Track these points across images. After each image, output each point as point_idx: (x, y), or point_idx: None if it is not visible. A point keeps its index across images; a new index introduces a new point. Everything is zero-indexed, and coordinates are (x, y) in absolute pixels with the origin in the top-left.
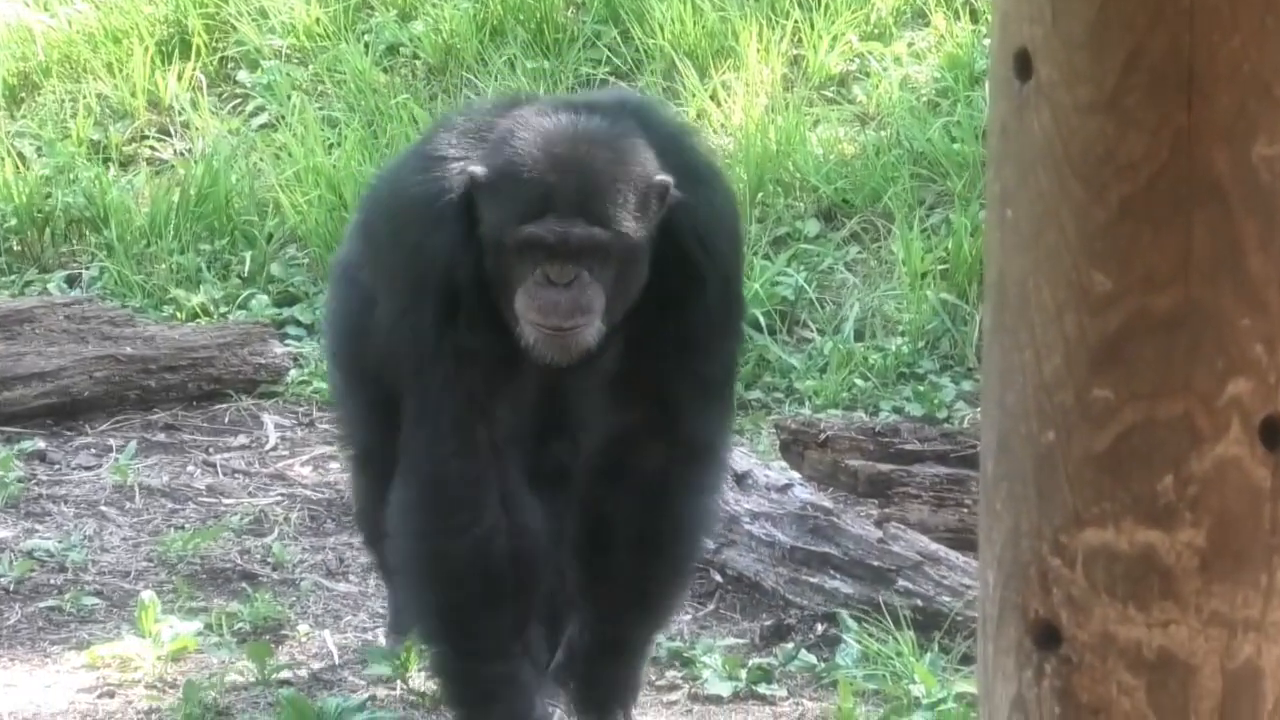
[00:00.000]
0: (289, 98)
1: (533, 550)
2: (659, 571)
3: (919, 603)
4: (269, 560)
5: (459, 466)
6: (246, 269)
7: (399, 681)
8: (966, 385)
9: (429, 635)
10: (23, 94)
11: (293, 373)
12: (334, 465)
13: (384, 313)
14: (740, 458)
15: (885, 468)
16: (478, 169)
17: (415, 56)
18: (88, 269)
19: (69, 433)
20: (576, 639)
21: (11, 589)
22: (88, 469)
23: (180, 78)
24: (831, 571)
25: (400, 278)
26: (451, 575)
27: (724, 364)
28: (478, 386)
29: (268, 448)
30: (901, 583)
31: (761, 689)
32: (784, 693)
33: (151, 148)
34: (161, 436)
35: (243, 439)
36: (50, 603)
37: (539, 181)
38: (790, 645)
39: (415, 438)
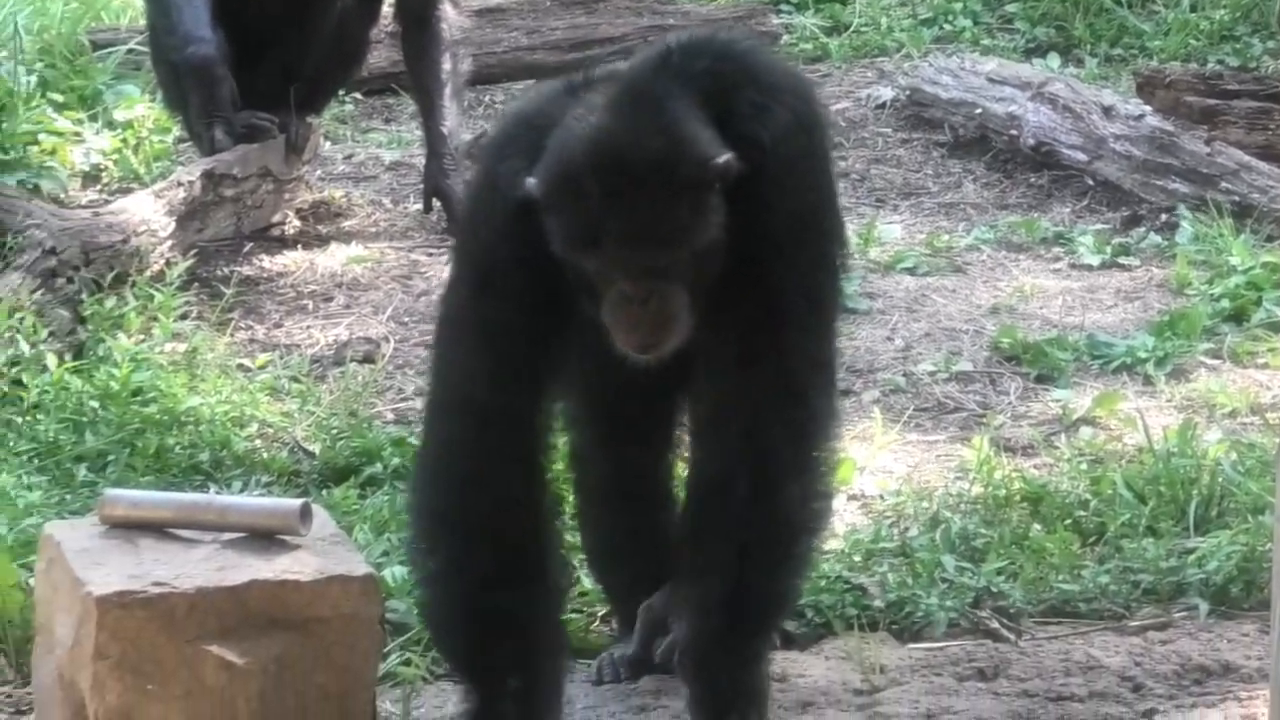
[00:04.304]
0: None
1: (551, 545)
2: (757, 567)
3: (1236, 199)
4: None
5: (472, 434)
6: None
7: None
8: (1271, 44)
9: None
10: None
11: (785, 37)
12: None
13: (450, 279)
14: (1107, 95)
15: (1212, 102)
16: (532, 184)
17: None
18: None
19: None
20: (683, 634)
21: None
22: None
23: None
24: (1173, 177)
25: (462, 257)
26: (453, 552)
27: (814, 319)
28: (514, 362)
29: None
30: (1224, 184)
31: (1121, 260)
32: (1138, 262)
33: None
34: None
35: None
36: None
37: (590, 209)
38: (1142, 229)
39: (434, 405)
